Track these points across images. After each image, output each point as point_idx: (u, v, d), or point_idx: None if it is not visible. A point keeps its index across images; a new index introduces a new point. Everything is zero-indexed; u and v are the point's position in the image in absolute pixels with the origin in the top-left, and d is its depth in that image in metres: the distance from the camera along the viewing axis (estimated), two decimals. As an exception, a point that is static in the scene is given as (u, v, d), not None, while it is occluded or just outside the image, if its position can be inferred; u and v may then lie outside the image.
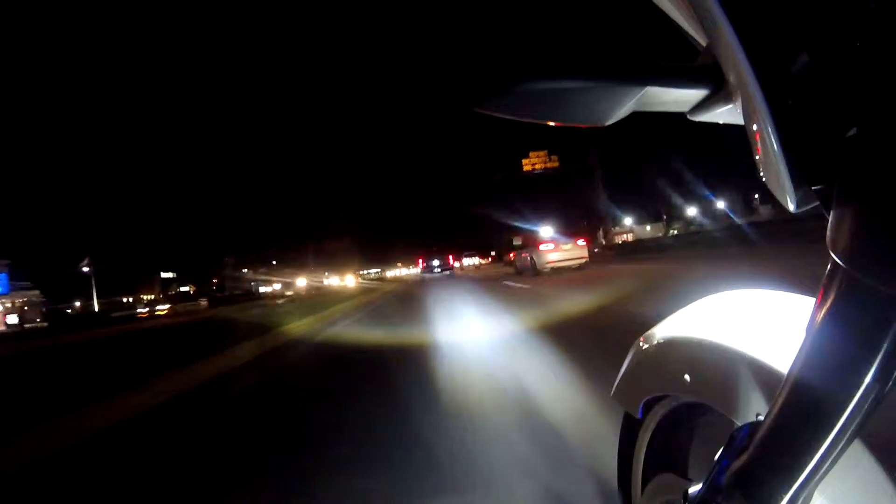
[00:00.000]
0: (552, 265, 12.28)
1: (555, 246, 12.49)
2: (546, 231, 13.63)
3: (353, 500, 1.52)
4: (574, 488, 1.39)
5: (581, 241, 12.80)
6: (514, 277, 13.42)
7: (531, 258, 12.91)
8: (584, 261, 12.51)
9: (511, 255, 17.44)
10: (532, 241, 13.33)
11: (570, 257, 12.38)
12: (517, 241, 14.67)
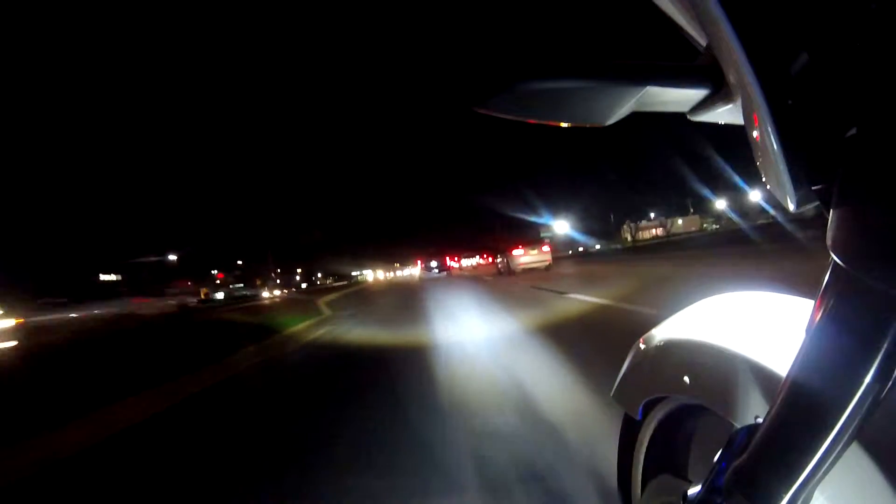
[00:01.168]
0: (523, 266, 15.68)
1: (524, 251, 16.02)
2: (518, 240, 17.80)
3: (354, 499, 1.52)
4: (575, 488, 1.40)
5: (545, 248, 16.45)
6: (495, 275, 17.53)
7: (506, 261, 16.55)
8: (548, 263, 15.81)
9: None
10: (507, 248, 16.87)
11: (537, 260, 15.74)
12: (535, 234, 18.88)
